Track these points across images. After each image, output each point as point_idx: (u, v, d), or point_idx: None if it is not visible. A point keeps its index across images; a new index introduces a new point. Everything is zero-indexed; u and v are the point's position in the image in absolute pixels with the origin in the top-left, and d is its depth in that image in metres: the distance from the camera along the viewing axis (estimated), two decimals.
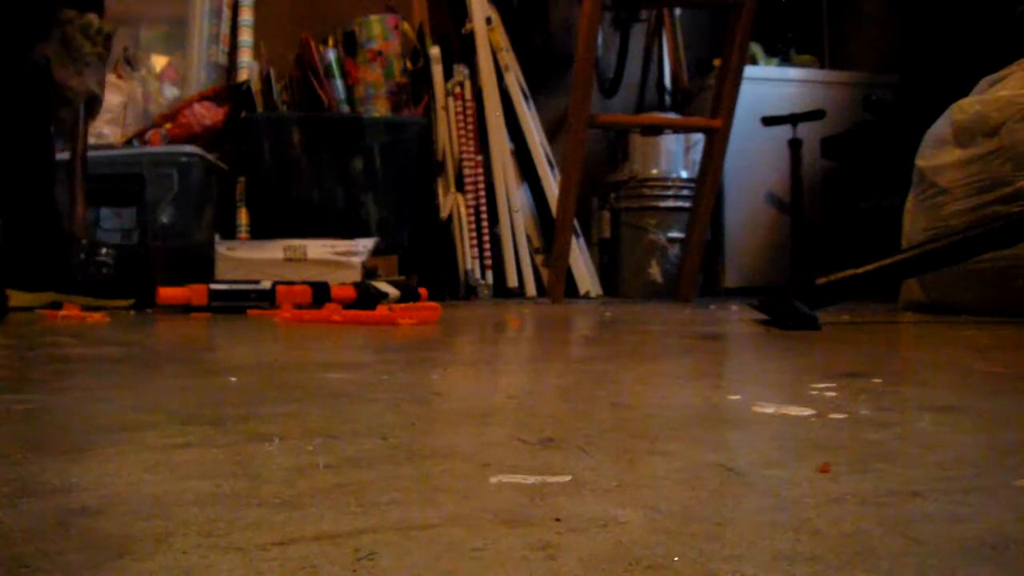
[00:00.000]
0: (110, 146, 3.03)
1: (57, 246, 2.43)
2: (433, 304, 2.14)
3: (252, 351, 1.43)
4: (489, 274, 3.54)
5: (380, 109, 3.49)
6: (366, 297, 2.49)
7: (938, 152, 2.26)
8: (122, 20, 3.50)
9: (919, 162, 2.34)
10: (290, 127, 3.26)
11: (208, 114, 3.20)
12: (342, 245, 2.91)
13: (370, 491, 0.47)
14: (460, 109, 3.55)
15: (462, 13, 3.71)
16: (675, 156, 3.71)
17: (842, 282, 1.88)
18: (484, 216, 3.54)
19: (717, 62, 3.44)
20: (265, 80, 3.45)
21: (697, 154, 3.46)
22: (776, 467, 0.54)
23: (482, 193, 3.55)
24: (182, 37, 3.49)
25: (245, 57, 3.51)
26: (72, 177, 2.46)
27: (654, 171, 3.67)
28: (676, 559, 0.36)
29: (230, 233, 3.26)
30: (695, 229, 3.23)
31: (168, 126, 3.15)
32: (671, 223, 3.63)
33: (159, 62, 3.48)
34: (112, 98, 3.23)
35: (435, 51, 3.57)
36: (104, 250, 2.52)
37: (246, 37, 3.54)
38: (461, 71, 3.56)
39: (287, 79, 3.53)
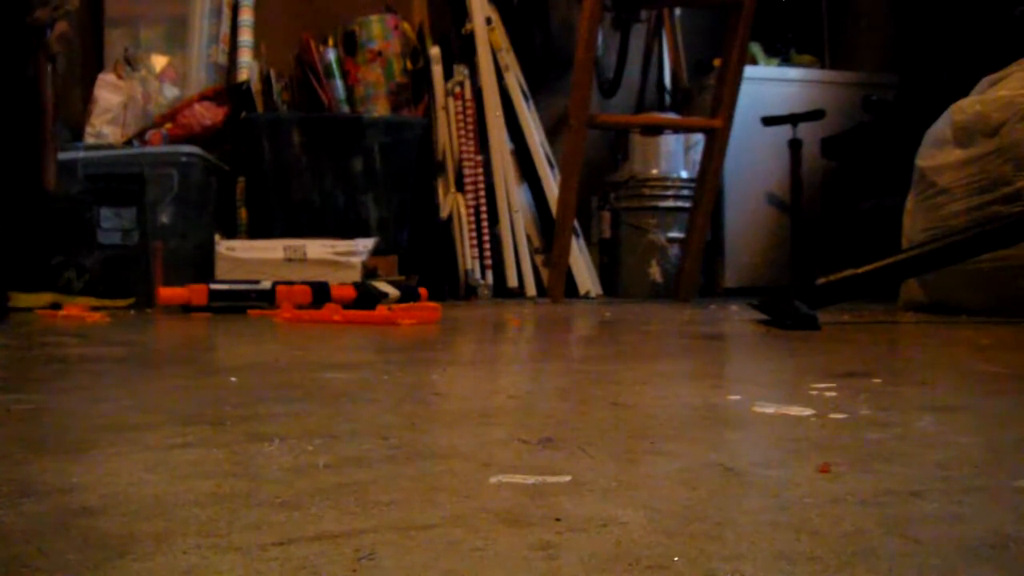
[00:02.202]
0: (110, 146, 3.03)
1: (56, 245, 2.41)
2: (433, 304, 2.14)
3: (252, 351, 1.43)
4: (489, 274, 3.54)
5: (380, 109, 3.49)
6: (366, 297, 2.49)
7: (938, 152, 2.26)
8: (122, 20, 3.51)
9: (919, 162, 2.34)
10: (290, 127, 3.26)
11: (208, 114, 3.20)
12: (342, 245, 2.91)
13: (370, 491, 0.47)
14: (460, 109, 3.55)
15: (462, 13, 3.71)
16: (675, 156, 3.71)
17: (842, 282, 1.88)
18: (484, 216, 3.54)
19: (717, 62, 3.44)
20: (265, 80, 3.45)
21: (697, 154, 3.46)
22: (776, 467, 0.54)
23: (482, 193, 3.55)
24: (182, 37, 3.49)
25: (245, 57, 3.51)
26: (42, 120, 2.32)
27: (654, 171, 3.67)
28: (676, 559, 0.36)
29: (230, 233, 3.26)
30: (695, 229, 3.23)
31: (168, 126, 3.15)
32: (671, 223, 3.63)
33: (159, 62, 3.48)
34: (112, 98, 3.23)
35: (435, 51, 3.57)
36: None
37: (246, 37, 3.53)
38: (461, 71, 3.56)
39: (287, 79, 3.53)
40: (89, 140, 3.11)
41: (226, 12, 3.52)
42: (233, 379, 0.97)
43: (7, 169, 2.22)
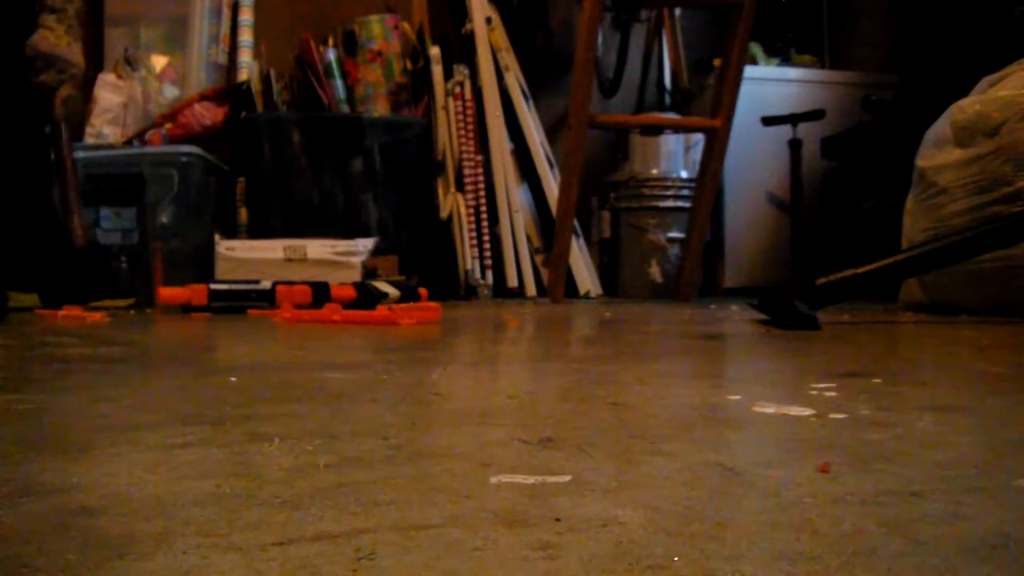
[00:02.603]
0: (110, 146, 3.03)
1: (55, 248, 2.42)
2: (433, 304, 2.14)
3: (252, 351, 1.43)
4: (489, 274, 3.54)
5: (380, 109, 3.49)
6: (366, 297, 2.49)
7: (938, 152, 2.26)
8: (122, 20, 3.51)
9: (919, 162, 2.34)
10: (290, 127, 3.26)
11: (208, 114, 3.20)
12: (342, 245, 2.91)
13: (370, 491, 0.47)
14: (460, 109, 3.55)
15: (462, 13, 3.71)
16: (675, 156, 3.71)
17: (842, 282, 1.88)
18: (484, 216, 3.54)
19: (717, 62, 3.44)
20: (265, 80, 3.45)
21: (697, 154, 3.46)
22: (776, 467, 0.54)
23: (482, 193, 3.55)
24: (182, 37, 3.49)
25: (245, 57, 3.51)
26: (64, 183, 2.37)
27: (654, 171, 3.67)
28: (676, 559, 0.36)
29: (230, 233, 3.26)
30: (695, 229, 3.23)
31: (168, 126, 3.15)
32: (671, 223, 3.63)
33: (159, 62, 3.48)
34: (112, 98, 3.23)
35: (435, 51, 3.57)
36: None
37: (246, 37, 3.54)
38: (461, 71, 3.56)
39: (287, 79, 3.53)
40: (89, 140, 3.11)
41: (226, 12, 3.52)
42: (233, 379, 0.97)
43: (35, 226, 2.25)
